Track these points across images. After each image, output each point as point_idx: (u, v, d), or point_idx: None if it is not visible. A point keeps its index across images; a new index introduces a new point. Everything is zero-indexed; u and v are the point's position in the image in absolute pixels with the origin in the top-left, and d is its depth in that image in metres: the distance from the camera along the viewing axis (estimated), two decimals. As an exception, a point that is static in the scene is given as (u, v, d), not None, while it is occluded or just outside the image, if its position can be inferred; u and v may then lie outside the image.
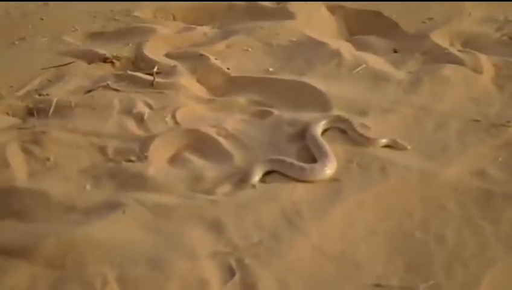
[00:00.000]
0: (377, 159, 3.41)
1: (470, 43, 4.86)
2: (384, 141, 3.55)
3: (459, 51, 4.68)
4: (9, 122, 3.95)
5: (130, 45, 4.95)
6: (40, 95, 4.24)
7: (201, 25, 5.35)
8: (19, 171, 3.41)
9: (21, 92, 4.28)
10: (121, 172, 3.40)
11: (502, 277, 2.69)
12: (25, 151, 3.58)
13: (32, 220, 3.05)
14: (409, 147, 3.52)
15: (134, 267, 2.70)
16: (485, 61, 4.47)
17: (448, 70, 4.36)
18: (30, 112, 4.06)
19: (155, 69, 4.49)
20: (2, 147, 3.56)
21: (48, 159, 3.52)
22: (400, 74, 4.38)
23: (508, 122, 3.73)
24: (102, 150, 3.61)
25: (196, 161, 3.52)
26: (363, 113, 3.89)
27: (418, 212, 3.07)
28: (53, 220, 3.04)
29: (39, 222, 3.03)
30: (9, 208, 3.14)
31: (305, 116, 3.84)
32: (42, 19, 5.44)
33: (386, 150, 3.52)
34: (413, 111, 3.91)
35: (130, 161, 3.50)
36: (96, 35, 5.24)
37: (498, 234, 2.91)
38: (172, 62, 4.65)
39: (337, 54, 4.66)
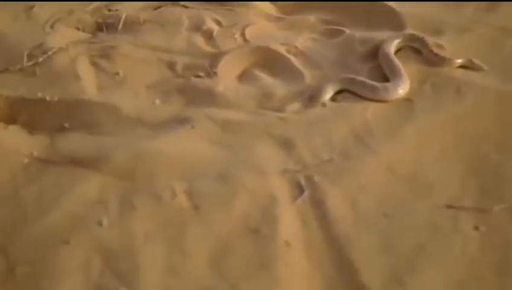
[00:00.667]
0: (452, 80, 3.30)
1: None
2: (459, 61, 3.41)
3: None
4: (79, 36, 3.95)
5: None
6: (109, 10, 4.23)
7: None
8: (89, 84, 3.43)
9: (91, 7, 4.27)
10: (190, 88, 3.39)
11: None
12: (95, 65, 3.60)
13: (102, 133, 3.09)
14: (485, 68, 3.38)
15: (203, 181, 2.71)
16: None
17: (533, -10, 4.12)
18: (99, 27, 4.06)
19: (225, -14, 4.40)
20: (72, 61, 3.58)
21: (117, 74, 3.53)
22: (480, -7, 4.17)
23: None
24: (171, 65, 3.59)
25: (265, 78, 3.47)
26: (438, 32, 3.75)
27: (494, 134, 2.96)
28: (123, 134, 3.06)
29: (109, 135, 3.07)
30: (80, 120, 3.18)
31: (377, 35, 3.73)
32: None
33: (462, 70, 3.39)
34: (491, 31, 3.74)
35: (199, 76, 3.48)
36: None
37: None
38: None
39: (412, -31, 4.46)
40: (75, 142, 3.01)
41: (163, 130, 3.05)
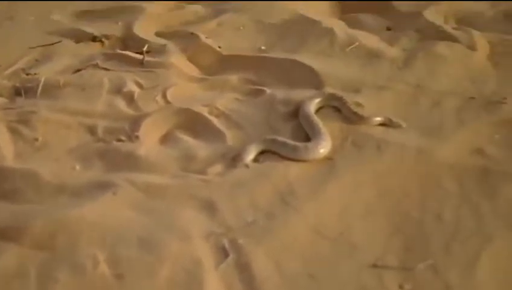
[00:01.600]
0: (371, 138, 3.37)
1: (465, 20, 4.82)
2: (378, 119, 3.50)
3: (453, 28, 4.65)
4: (-4, 102, 3.88)
5: (120, 23, 4.90)
6: (27, 74, 4.19)
7: (192, 3, 5.29)
8: (7, 151, 3.37)
9: (8, 71, 4.23)
10: (111, 152, 3.36)
11: (500, 254, 2.66)
12: (13, 131, 3.53)
13: (21, 201, 3.01)
14: (404, 125, 3.48)
15: (126, 248, 2.66)
16: (480, 38, 4.44)
17: (443, 47, 4.32)
18: (17, 92, 4.00)
19: (145, 48, 4.43)
20: (-12, 128, 3.50)
21: (37, 140, 3.47)
22: (394, 51, 4.34)
23: (504, 99, 3.68)
24: (91, 129, 3.56)
25: (188, 140, 3.47)
26: (356, 91, 3.85)
27: (415, 191, 3.03)
28: (43, 201, 3.00)
29: (28, 203, 2.99)
30: (-2, 188, 3.08)
31: (298, 94, 3.80)
32: (30, -2, 5.39)
33: (381, 128, 3.47)
34: (408, 88, 3.87)
35: (121, 140, 3.46)
36: (85, 14, 5.18)
37: (495, 211, 2.89)
38: (162, 41, 4.61)
39: (330, 32, 4.61)
40: (-8, 212, 2.91)
41: (84, 196, 2.99)
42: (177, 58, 4.34)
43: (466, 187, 3.04)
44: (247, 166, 3.20)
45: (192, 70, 4.32)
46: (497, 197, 2.96)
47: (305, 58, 4.24)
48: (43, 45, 4.54)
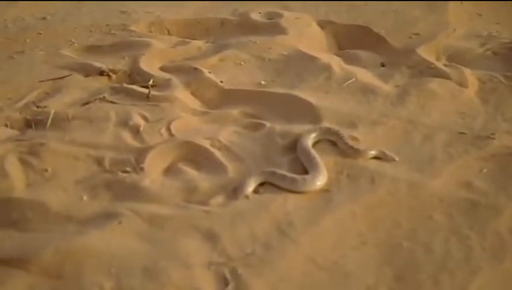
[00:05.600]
0: (366, 171, 3.53)
1: (455, 57, 4.98)
2: (372, 152, 3.66)
3: (444, 65, 4.82)
4: (8, 133, 4.01)
5: (126, 58, 5.03)
6: (38, 107, 4.31)
7: (196, 39, 5.44)
8: (18, 181, 3.48)
9: (19, 104, 4.35)
10: (117, 183, 3.48)
11: (488, 286, 2.80)
12: (23, 162, 3.65)
13: (30, 230, 3.13)
14: (396, 159, 3.64)
15: (130, 276, 2.79)
16: (470, 75, 4.61)
17: (434, 84, 4.49)
18: (28, 124, 4.13)
19: (150, 82, 4.57)
20: (0, 158, 3.62)
21: (46, 170, 3.59)
22: (388, 87, 4.50)
23: (492, 134, 3.85)
24: (98, 161, 3.68)
25: (190, 172, 3.61)
26: (352, 125, 4.01)
27: (406, 223, 3.18)
28: (51, 230, 3.12)
29: (37, 232, 3.11)
30: (8, 218, 3.22)
31: (296, 128, 3.95)
32: (40, 33, 5.51)
33: (375, 161, 3.63)
34: (400, 123, 4.02)
35: (126, 171, 3.58)
36: (93, 49, 5.31)
37: (483, 243, 3.02)
38: (167, 75, 4.74)
39: (327, 67, 4.76)
40: (2, 241, 3.04)
41: (91, 226, 3.12)
42: (181, 92, 4.48)
43: (455, 220, 3.18)
44: (247, 197, 3.34)
45: (195, 103, 4.46)
46: (485, 230, 3.11)
47: (303, 93, 4.40)
48: (53, 79, 4.66)
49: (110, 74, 4.78)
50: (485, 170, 3.55)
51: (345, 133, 3.81)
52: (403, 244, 3.04)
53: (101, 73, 4.78)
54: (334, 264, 2.91)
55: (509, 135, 3.87)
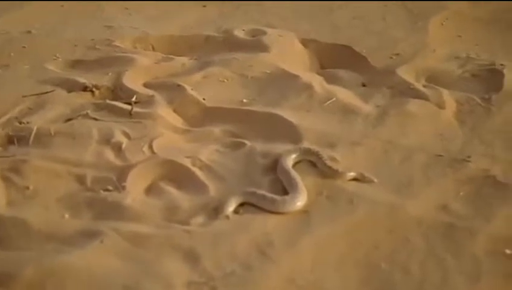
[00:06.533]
0: (345, 192, 3.57)
1: (434, 78, 5.02)
2: (351, 174, 3.71)
3: (423, 86, 4.87)
4: (-11, 150, 4.02)
5: (110, 74, 5.03)
6: (20, 123, 4.32)
7: (180, 56, 5.46)
8: (-1, 199, 3.49)
9: (2, 120, 4.35)
10: (99, 201, 3.52)
11: (463, 309, 2.86)
12: (5, 179, 3.67)
13: (12, 248, 3.15)
14: (375, 180, 3.69)
15: (111, 296, 2.81)
16: (448, 96, 4.66)
17: (414, 105, 4.54)
18: (10, 140, 4.14)
19: (133, 99, 4.60)
20: (-18, 175, 3.64)
21: (28, 188, 3.62)
22: (368, 108, 4.55)
23: (469, 157, 3.91)
24: (80, 179, 3.71)
25: (172, 191, 3.65)
26: (332, 145, 4.05)
27: (384, 245, 3.22)
28: (33, 249, 3.14)
29: (19, 250, 3.14)
30: (-11, 235, 3.24)
31: (277, 148, 3.99)
32: (24, 47, 5.51)
33: (354, 183, 3.68)
34: (380, 144, 4.08)
35: (108, 190, 3.61)
36: (77, 64, 5.32)
37: (460, 266, 3.08)
38: (150, 92, 4.76)
39: (308, 86, 4.80)
40: (-16, 258, 3.06)
41: (72, 244, 3.15)
42: (163, 110, 4.51)
43: (432, 242, 3.23)
44: (227, 217, 3.38)
45: (178, 121, 4.49)
46: (462, 252, 3.16)
47: (284, 112, 4.43)
48: (36, 94, 4.68)
49: (94, 89, 4.80)
50: (461, 193, 3.60)
51: (325, 153, 3.85)
52: (381, 265, 3.09)
53: (85, 89, 4.79)
54: (313, 285, 2.96)
55: (485, 157, 3.93)
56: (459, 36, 5.91)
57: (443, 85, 4.86)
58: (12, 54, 5.43)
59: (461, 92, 4.76)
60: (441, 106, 4.54)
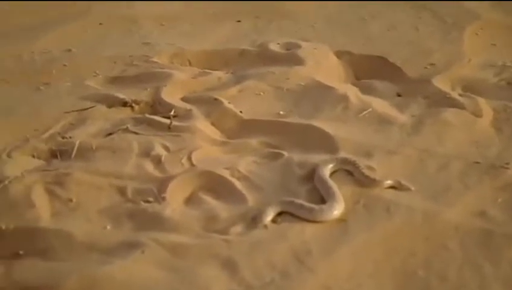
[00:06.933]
0: (382, 200, 3.60)
1: (470, 87, 5.02)
2: (388, 182, 3.73)
3: (459, 95, 4.86)
4: (34, 164, 4.11)
5: (148, 89, 5.12)
6: (63, 137, 4.41)
7: (216, 70, 5.52)
8: (43, 211, 3.58)
9: (45, 135, 4.46)
10: (140, 212, 3.58)
11: (502, 317, 2.85)
12: (49, 192, 3.75)
13: (55, 259, 3.23)
14: (412, 188, 3.70)
15: (152, 305, 2.87)
16: (484, 105, 4.65)
17: (449, 114, 4.54)
18: (54, 154, 4.23)
19: (172, 113, 4.67)
20: (27, 188, 3.73)
21: (71, 200, 3.69)
22: (404, 117, 4.56)
23: (507, 164, 3.90)
24: (121, 191, 3.78)
25: (210, 201, 3.70)
26: (368, 155, 4.07)
27: (421, 252, 3.23)
28: (75, 260, 3.21)
29: (62, 261, 3.21)
30: (34, 247, 3.32)
31: (314, 158, 4.02)
32: (65, 65, 5.65)
33: (391, 191, 3.70)
34: (416, 153, 4.08)
35: (148, 201, 3.68)
36: (116, 80, 5.41)
37: (498, 273, 3.07)
38: (188, 106, 4.83)
39: (344, 98, 4.83)
40: (29, 270, 3.15)
41: (114, 255, 3.22)
42: (201, 123, 4.57)
43: (469, 249, 3.23)
44: (266, 227, 3.43)
45: (215, 133, 4.55)
46: (500, 260, 3.16)
47: (320, 123, 4.47)
48: (78, 110, 4.78)
49: (133, 104, 4.89)
50: (499, 200, 3.60)
51: (362, 163, 3.88)
52: (418, 272, 3.10)
53: (124, 104, 4.88)
54: (350, 293, 2.98)
55: (523, 164, 3.91)
56: (494, 45, 5.90)
57: (479, 94, 4.86)
58: (54, 71, 5.55)
59: (497, 100, 4.75)
60: (477, 114, 4.53)
